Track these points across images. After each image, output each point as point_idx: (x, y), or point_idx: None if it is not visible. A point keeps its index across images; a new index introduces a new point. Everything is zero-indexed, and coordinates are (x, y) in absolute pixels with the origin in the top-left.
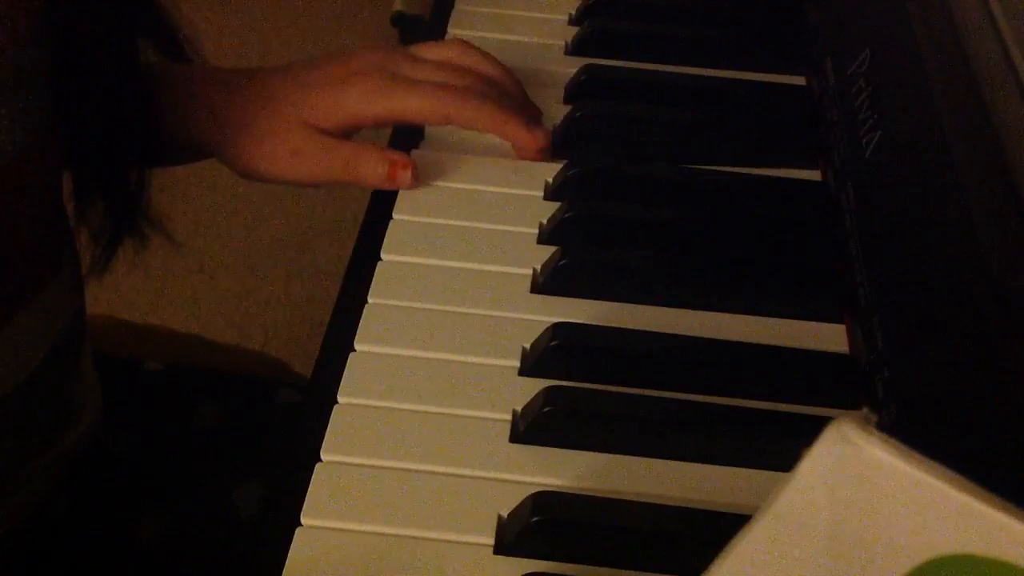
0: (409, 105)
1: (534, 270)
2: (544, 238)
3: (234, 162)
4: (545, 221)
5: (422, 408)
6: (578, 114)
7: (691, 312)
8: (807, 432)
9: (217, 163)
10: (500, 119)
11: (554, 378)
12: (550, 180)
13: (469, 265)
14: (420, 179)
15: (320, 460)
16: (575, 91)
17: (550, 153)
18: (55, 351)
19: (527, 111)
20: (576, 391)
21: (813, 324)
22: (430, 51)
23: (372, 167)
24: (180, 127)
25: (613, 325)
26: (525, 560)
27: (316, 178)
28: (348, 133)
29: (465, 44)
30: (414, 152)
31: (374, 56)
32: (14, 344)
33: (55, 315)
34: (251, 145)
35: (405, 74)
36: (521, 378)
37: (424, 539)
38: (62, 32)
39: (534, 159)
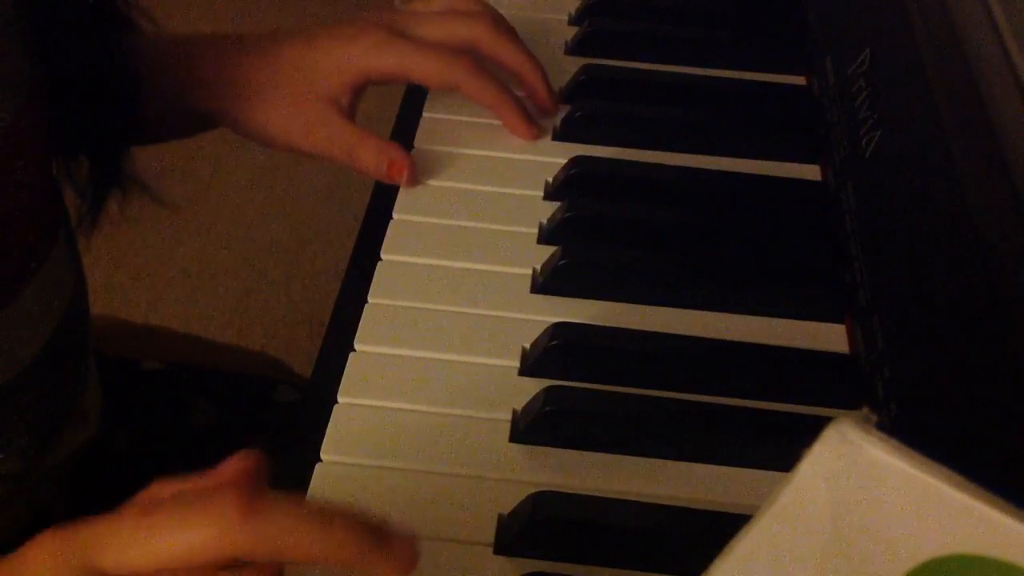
0: (417, 64)
1: (534, 270)
2: (544, 238)
3: (239, 126)
4: (545, 221)
5: (422, 408)
6: (578, 114)
7: (691, 312)
8: (807, 432)
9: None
10: (502, 102)
11: (554, 378)
12: (550, 180)
13: (469, 265)
14: (420, 178)
15: (320, 460)
16: (575, 91)
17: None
18: (58, 333)
19: (533, 85)
20: (576, 391)
21: (813, 324)
22: (433, 1)
23: (372, 159)
24: (182, 93)
25: (613, 325)
26: (525, 560)
27: (317, 153)
28: (358, 91)
29: None
30: (414, 151)
31: (383, 15)
32: (23, 319)
33: (57, 289)
34: (260, 110)
35: (415, 32)
36: (521, 378)
37: (424, 539)
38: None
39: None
